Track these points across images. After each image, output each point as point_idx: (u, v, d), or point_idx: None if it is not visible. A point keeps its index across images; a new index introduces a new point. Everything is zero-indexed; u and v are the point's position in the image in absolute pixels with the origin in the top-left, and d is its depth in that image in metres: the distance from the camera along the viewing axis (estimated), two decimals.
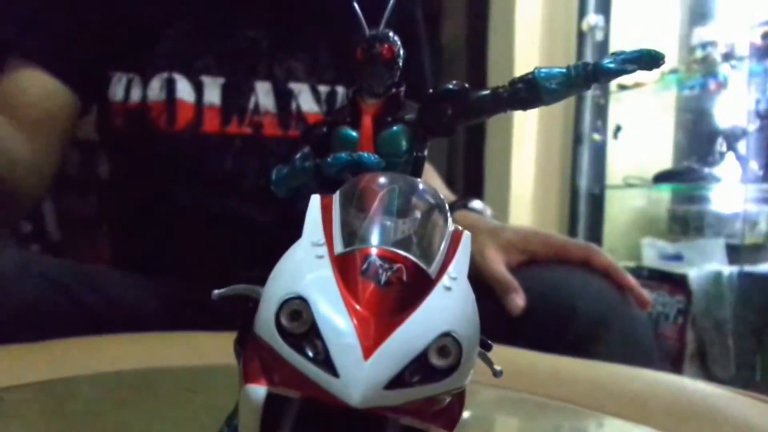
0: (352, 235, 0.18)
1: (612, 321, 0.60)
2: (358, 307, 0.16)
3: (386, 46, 0.25)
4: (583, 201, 1.90)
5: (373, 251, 0.17)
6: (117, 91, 0.64)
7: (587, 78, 0.23)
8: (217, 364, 0.31)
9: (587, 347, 0.57)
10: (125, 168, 0.70)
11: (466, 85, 0.25)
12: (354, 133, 0.26)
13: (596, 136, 1.87)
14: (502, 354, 0.21)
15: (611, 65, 0.23)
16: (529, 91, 0.24)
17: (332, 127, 0.27)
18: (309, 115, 0.67)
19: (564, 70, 0.24)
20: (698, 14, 1.89)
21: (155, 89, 0.63)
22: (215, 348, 0.31)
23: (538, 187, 1.87)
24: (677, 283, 1.71)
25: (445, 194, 0.77)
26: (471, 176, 1.94)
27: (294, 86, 0.67)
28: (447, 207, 0.20)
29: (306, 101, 0.67)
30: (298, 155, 0.27)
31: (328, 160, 0.24)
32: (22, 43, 0.63)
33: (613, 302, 0.61)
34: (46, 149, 0.63)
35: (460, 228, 0.20)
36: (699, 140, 1.91)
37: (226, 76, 0.65)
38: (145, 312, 0.60)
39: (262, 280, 0.18)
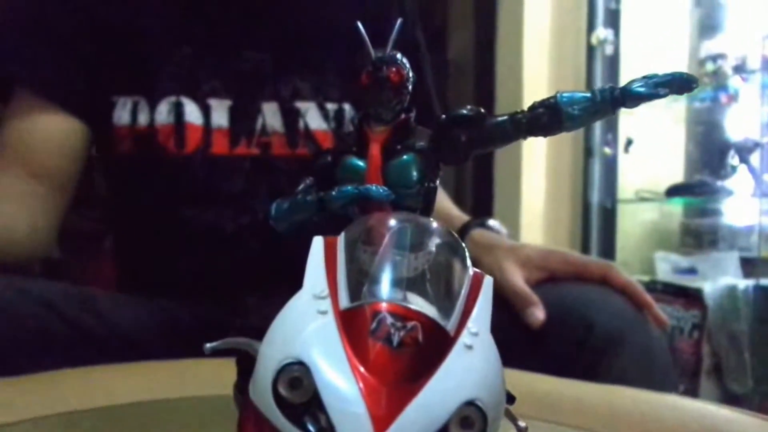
0: (359, 286, 0.16)
1: (629, 338, 0.59)
2: (367, 373, 0.14)
3: (394, 69, 0.23)
4: (595, 215, 1.88)
5: (384, 307, 0.15)
6: (123, 116, 0.64)
7: (614, 103, 0.22)
8: (217, 395, 0.29)
9: (603, 364, 0.57)
10: (132, 192, 0.69)
11: (482, 110, 0.24)
12: (361, 163, 0.24)
13: (607, 150, 1.85)
14: (519, 380, 0.19)
15: (641, 89, 0.21)
16: (551, 117, 0.22)
17: (338, 156, 0.25)
18: (317, 133, 0.67)
19: (588, 95, 0.22)
20: (708, 27, 1.87)
21: (163, 113, 0.63)
22: (215, 378, 0.29)
23: (549, 202, 1.85)
24: (692, 297, 1.69)
25: (456, 214, 0.76)
26: (480, 191, 1.92)
27: (301, 105, 0.67)
28: (464, 248, 0.18)
29: (314, 119, 0.67)
30: (300, 186, 0.25)
31: (333, 193, 0.22)
32: (27, 75, 0.63)
33: (631, 320, 0.60)
34: (57, 196, 0.63)
35: (479, 270, 0.18)
36: (711, 153, 1.89)
37: (233, 98, 0.65)
38: (146, 336, 0.59)
39: (259, 333, 0.17)
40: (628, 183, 1.89)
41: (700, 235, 1.89)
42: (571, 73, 1.83)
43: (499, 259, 0.63)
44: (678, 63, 1.87)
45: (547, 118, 0.22)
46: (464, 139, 0.23)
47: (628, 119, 1.88)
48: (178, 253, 0.66)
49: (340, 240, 0.18)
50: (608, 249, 1.89)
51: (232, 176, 0.64)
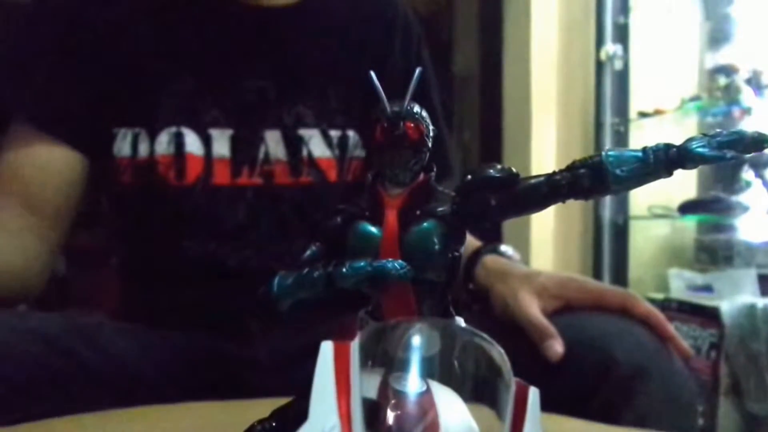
0: (374, 415, 0.13)
1: (652, 372, 0.56)
2: None
3: (412, 125, 0.20)
4: (607, 232, 1.84)
5: None
6: (123, 147, 0.62)
7: (669, 164, 0.19)
8: None
9: (626, 400, 0.54)
10: (133, 222, 0.68)
11: (514, 171, 0.21)
12: (375, 230, 0.21)
13: None
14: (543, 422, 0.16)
15: (703, 150, 0.18)
16: (595, 179, 0.19)
17: (349, 220, 0.22)
18: (321, 161, 0.66)
19: (639, 155, 0.19)
20: (718, 40, 1.85)
21: (163, 143, 0.62)
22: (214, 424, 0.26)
23: (561, 218, 1.82)
24: (709, 315, 1.66)
25: (467, 239, 0.73)
26: None
27: (304, 132, 0.66)
28: (503, 355, 0.15)
29: (317, 147, 0.66)
30: (306, 253, 0.22)
31: (343, 270, 0.19)
32: (22, 107, 0.62)
33: (653, 352, 0.57)
34: (53, 228, 0.62)
35: (521, 380, 0.15)
36: (724, 168, 1.85)
37: (235, 128, 0.63)
38: (146, 369, 0.57)
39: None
40: (640, 199, 1.86)
41: (714, 252, 1.85)
42: (579, 88, 1.81)
43: (513, 288, 0.61)
44: (688, 77, 1.85)
45: (591, 180, 0.19)
46: (493, 203, 0.20)
47: (638, 133, 1.85)
48: (179, 284, 0.65)
49: (354, 351, 0.15)
50: (620, 266, 1.87)
51: (233, 207, 0.63)
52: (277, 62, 0.66)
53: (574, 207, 1.86)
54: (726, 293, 1.70)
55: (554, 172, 0.20)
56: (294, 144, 0.65)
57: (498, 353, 0.15)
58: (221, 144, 0.63)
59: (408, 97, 0.21)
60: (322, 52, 0.69)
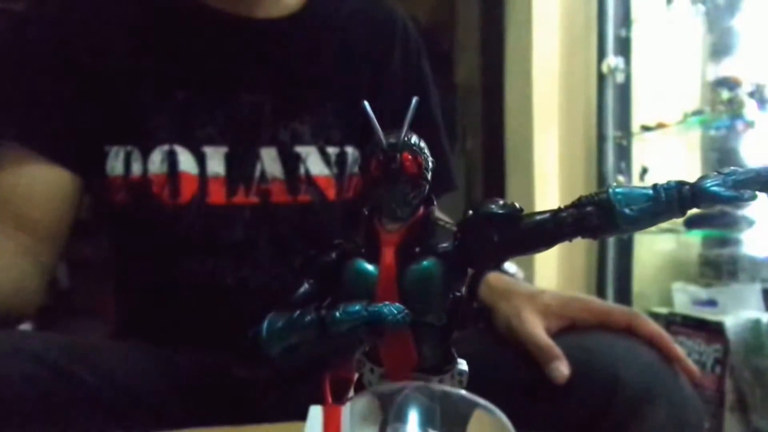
0: None
1: (659, 394, 0.55)
2: None
3: (410, 157, 0.19)
4: (611, 246, 1.83)
5: None
6: (115, 165, 0.61)
7: (682, 203, 0.17)
8: None
9: (632, 424, 0.53)
10: (128, 241, 0.67)
11: (518, 206, 0.19)
12: (371, 269, 0.20)
13: (621, 179, 1.81)
14: None
15: (718, 189, 0.17)
16: (603, 217, 0.18)
17: (344, 256, 0.21)
18: (319, 179, 0.64)
19: (650, 192, 0.18)
20: (721, 53, 1.84)
21: (156, 162, 0.60)
22: None
23: None
24: (713, 330, 1.65)
25: None
26: None
27: (301, 150, 0.64)
28: (509, 426, 0.14)
29: (315, 164, 0.64)
30: (299, 291, 0.21)
31: (337, 314, 0.18)
32: (14, 126, 0.61)
33: (661, 374, 0.56)
34: (45, 247, 0.60)
35: None
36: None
37: (230, 145, 0.62)
38: (147, 391, 0.55)
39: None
40: None
41: (719, 266, 1.84)
42: (581, 101, 1.80)
43: (517, 307, 0.60)
44: (691, 90, 1.84)
45: (598, 218, 0.18)
46: (497, 240, 0.19)
47: (641, 146, 1.84)
48: (177, 303, 0.64)
49: (344, 417, 0.14)
50: (624, 280, 1.85)
51: (230, 226, 0.62)
52: (272, 76, 0.64)
53: None
54: (730, 308, 1.69)
55: (560, 209, 0.19)
56: (291, 162, 0.63)
57: (501, 424, 0.14)
58: (216, 162, 0.61)
59: (405, 127, 0.20)
60: (318, 65, 0.67)
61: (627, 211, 0.17)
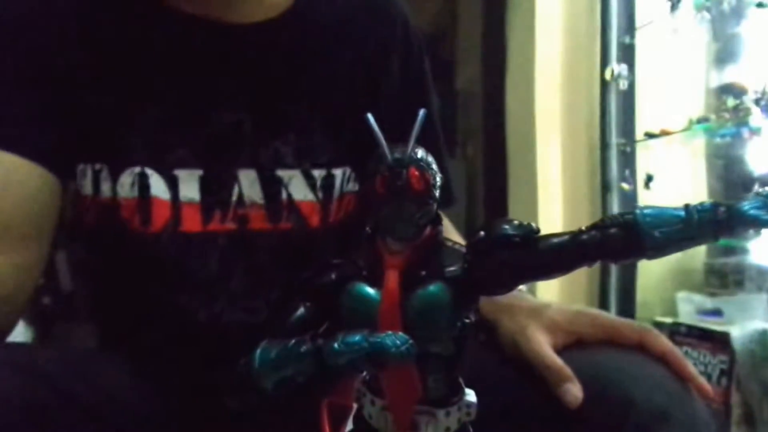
0: None
1: (674, 416, 0.52)
2: None
3: (417, 173, 0.18)
4: None
5: None
6: (84, 184, 0.56)
7: (718, 228, 0.16)
8: None
9: None
10: (97, 265, 0.62)
11: (534, 227, 0.18)
12: (373, 293, 0.18)
13: (625, 186, 1.79)
14: None
15: (758, 213, 0.15)
16: (629, 241, 0.16)
17: (343, 278, 0.19)
18: (302, 204, 0.59)
19: (681, 214, 0.16)
20: (725, 60, 1.83)
21: (125, 186, 0.55)
22: None
23: None
24: (719, 341, 1.64)
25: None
26: None
27: (283, 173, 0.58)
28: None
29: (298, 189, 0.59)
30: (294, 315, 0.20)
31: (335, 345, 0.16)
32: None
33: (675, 394, 0.53)
34: (26, 251, 0.55)
35: None
36: (734, 189, 1.83)
37: (204, 167, 0.56)
38: (142, 407, 0.53)
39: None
40: None
41: (725, 275, 1.82)
42: (584, 108, 1.79)
43: (521, 324, 0.57)
44: (695, 97, 1.83)
45: (623, 242, 0.16)
46: (510, 265, 0.18)
47: (645, 154, 1.83)
48: (148, 334, 0.59)
49: None
50: (628, 288, 1.83)
51: (205, 256, 0.56)
52: (251, 90, 0.58)
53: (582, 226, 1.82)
54: (736, 318, 1.67)
55: (580, 231, 0.17)
56: (272, 186, 0.58)
57: None
58: (189, 186, 0.56)
59: (411, 141, 0.18)
60: (304, 77, 0.61)
61: (657, 234, 0.16)
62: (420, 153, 0.18)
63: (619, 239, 0.16)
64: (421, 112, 0.18)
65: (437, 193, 0.18)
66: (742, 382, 1.59)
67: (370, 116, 0.18)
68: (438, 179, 0.18)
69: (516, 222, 0.17)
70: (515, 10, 1.85)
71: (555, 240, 0.17)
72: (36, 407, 0.46)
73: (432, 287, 0.17)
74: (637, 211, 0.16)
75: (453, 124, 2.22)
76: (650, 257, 0.16)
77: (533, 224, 0.17)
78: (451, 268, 0.17)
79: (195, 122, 0.57)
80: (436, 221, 0.18)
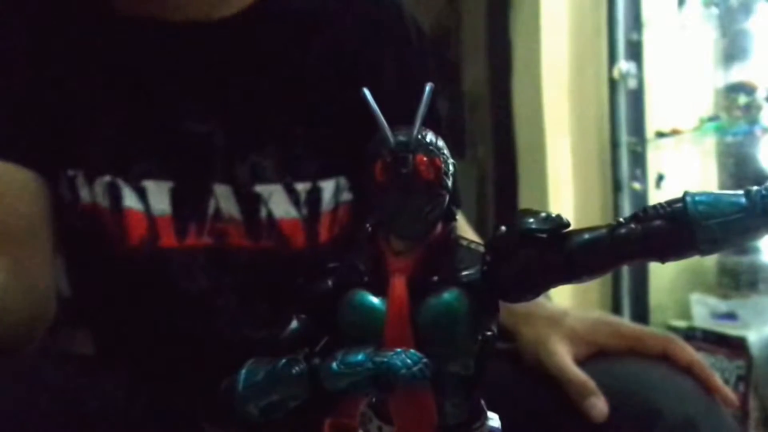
0: None
1: (701, 428, 0.51)
2: None
3: (425, 159, 0.15)
4: None
5: None
6: (63, 191, 0.54)
7: None
8: None
9: None
10: (90, 276, 0.60)
11: (564, 219, 0.15)
12: (377, 303, 0.15)
13: (636, 185, 1.77)
14: None
15: None
16: (679, 233, 0.13)
17: (342, 286, 0.17)
18: (283, 222, 0.54)
19: (741, 201, 0.13)
20: (734, 57, 1.80)
21: (99, 195, 0.52)
22: None
23: None
24: (735, 346, 1.63)
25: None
26: None
27: (262, 189, 0.53)
28: None
29: (279, 205, 0.54)
30: (288, 330, 0.17)
31: (334, 366, 0.13)
32: None
33: (701, 405, 0.52)
34: (30, 255, 0.53)
35: None
36: (746, 184, 1.80)
37: (174, 179, 0.53)
38: (138, 414, 0.52)
39: None
40: None
41: (738, 276, 1.80)
42: (593, 107, 1.77)
43: (541, 334, 0.55)
44: (704, 95, 1.81)
45: (672, 235, 0.13)
46: (538, 265, 0.15)
47: (656, 153, 1.80)
48: (133, 348, 0.58)
49: None
50: (641, 290, 1.81)
51: (190, 272, 0.53)
52: (222, 97, 0.53)
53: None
54: (752, 321, 1.65)
55: (619, 224, 0.14)
56: (249, 203, 0.53)
57: None
58: (159, 198, 0.52)
59: (418, 121, 0.15)
60: (282, 79, 0.55)
61: (711, 225, 0.13)
62: (429, 136, 0.15)
63: (665, 233, 0.13)
64: (428, 86, 0.15)
65: (450, 182, 0.15)
66: (760, 388, 1.57)
67: (366, 91, 0.15)
68: (450, 166, 0.15)
69: (543, 214, 0.15)
70: (520, 8, 1.83)
71: (589, 235, 0.14)
72: (36, 417, 0.45)
73: (446, 295, 0.14)
74: (688, 198, 0.13)
75: (461, 126, 2.19)
76: (704, 253, 0.13)
77: (562, 216, 0.15)
78: (468, 272, 0.15)
79: (157, 132, 0.53)
80: (449, 216, 0.15)
